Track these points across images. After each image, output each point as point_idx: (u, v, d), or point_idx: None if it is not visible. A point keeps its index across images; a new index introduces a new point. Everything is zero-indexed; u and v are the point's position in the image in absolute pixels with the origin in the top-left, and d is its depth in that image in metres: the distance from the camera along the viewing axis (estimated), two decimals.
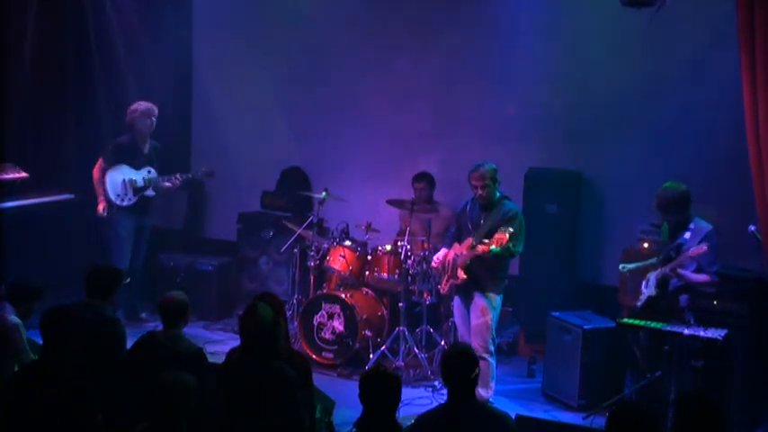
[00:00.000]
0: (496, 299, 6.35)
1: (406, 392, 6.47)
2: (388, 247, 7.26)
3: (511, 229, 6.01)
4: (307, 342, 7.29)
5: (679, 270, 5.80)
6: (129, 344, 5.20)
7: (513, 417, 4.63)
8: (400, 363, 6.99)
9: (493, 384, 6.41)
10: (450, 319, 6.95)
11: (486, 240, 6.08)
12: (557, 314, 6.79)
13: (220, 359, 4.91)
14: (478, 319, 6.33)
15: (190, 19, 9.08)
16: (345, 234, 7.58)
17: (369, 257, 7.33)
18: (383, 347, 7.12)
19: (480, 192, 6.27)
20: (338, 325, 7.21)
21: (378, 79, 8.43)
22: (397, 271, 7.11)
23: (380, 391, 4.07)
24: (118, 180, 7.68)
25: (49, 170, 8.07)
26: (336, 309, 7.23)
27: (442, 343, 7.04)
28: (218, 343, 7.39)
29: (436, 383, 6.79)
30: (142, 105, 7.82)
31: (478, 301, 6.34)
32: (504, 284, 6.42)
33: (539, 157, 7.75)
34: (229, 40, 8.94)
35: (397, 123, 8.35)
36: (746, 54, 5.43)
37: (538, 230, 6.90)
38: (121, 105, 8.23)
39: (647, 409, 3.91)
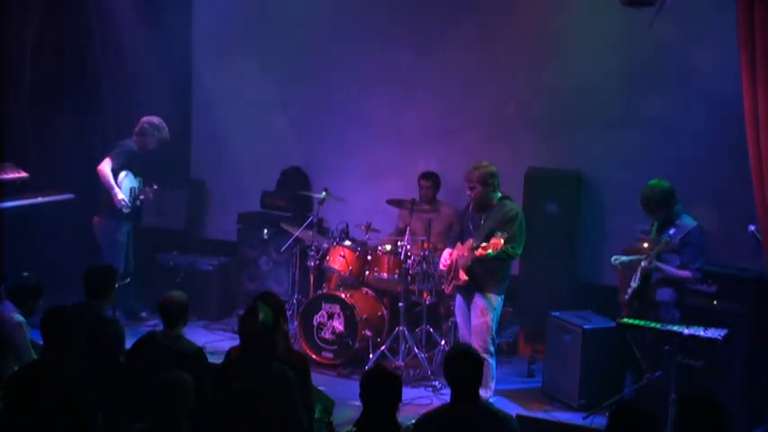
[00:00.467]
0: (497, 299, 6.35)
1: (406, 392, 6.45)
2: (388, 247, 7.27)
3: (506, 234, 6.03)
4: (307, 342, 7.29)
5: (658, 263, 5.82)
6: (129, 344, 5.20)
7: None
8: (400, 363, 6.99)
9: (493, 384, 6.42)
10: (451, 319, 6.96)
11: (485, 244, 6.09)
12: (557, 314, 6.79)
13: (220, 359, 4.90)
14: (479, 320, 6.33)
15: (190, 19, 9.08)
16: (345, 234, 7.58)
17: (369, 257, 7.33)
18: (383, 347, 7.12)
19: (469, 193, 6.31)
20: (338, 325, 7.21)
21: (378, 79, 8.43)
22: (397, 271, 7.11)
23: (380, 391, 4.07)
24: (127, 187, 7.68)
25: (49, 170, 8.07)
26: (336, 309, 7.24)
27: (442, 343, 7.04)
28: (218, 343, 7.39)
29: (436, 383, 6.79)
30: (163, 129, 7.77)
31: (479, 301, 6.34)
32: (505, 285, 6.42)
33: (539, 157, 7.75)
34: (229, 40, 8.94)
35: (397, 123, 8.35)
36: (746, 52, 5.43)
37: (538, 230, 6.90)
38: (122, 105, 8.24)
39: (647, 409, 3.89)
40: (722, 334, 5.54)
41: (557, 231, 7.40)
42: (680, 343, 5.62)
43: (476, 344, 6.22)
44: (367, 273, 7.33)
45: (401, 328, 7.02)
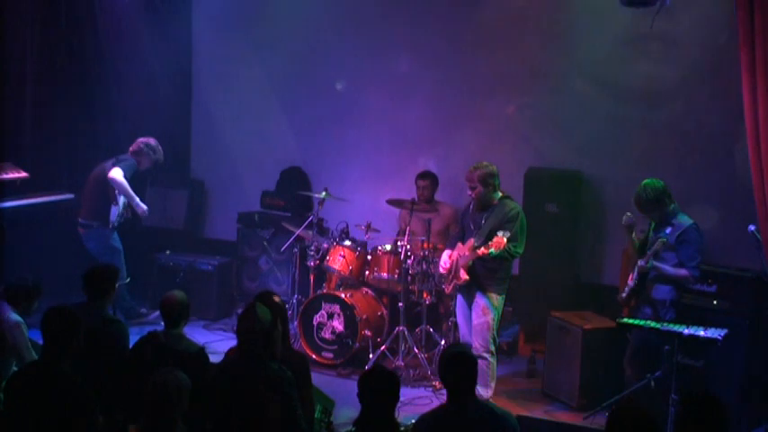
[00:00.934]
0: (498, 299, 6.35)
1: (406, 392, 6.51)
2: (388, 247, 7.27)
3: (508, 233, 6.03)
4: (306, 342, 7.29)
5: (655, 262, 5.83)
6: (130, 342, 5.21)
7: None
8: (400, 362, 6.99)
9: (493, 384, 6.41)
10: (451, 318, 6.96)
11: (489, 243, 6.09)
12: (557, 314, 6.79)
13: (220, 359, 4.91)
14: (479, 319, 6.33)
15: (190, 19, 9.08)
16: (345, 234, 7.58)
17: (369, 257, 7.34)
18: (383, 347, 7.12)
19: (471, 193, 6.31)
20: (338, 325, 7.21)
21: (378, 79, 8.43)
22: (397, 271, 7.11)
23: (378, 391, 4.07)
24: (122, 203, 7.67)
25: (49, 170, 8.07)
26: (336, 308, 7.24)
27: (442, 343, 7.04)
28: (218, 343, 7.40)
29: (436, 383, 6.79)
30: (159, 151, 7.76)
31: (480, 300, 6.34)
32: (506, 285, 6.41)
33: (539, 157, 7.76)
34: (229, 40, 8.94)
35: (397, 123, 8.35)
36: (746, 53, 5.43)
37: (538, 230, 6.89)
38: (122, 105, 8.23)
39: (647, 409, 3.89)
40: (722, 334, 5.54)
41: (557, 231, 7.40)
42: (680, 343, 5.62)
43: (477, 343, 6.22)
44: (367, 273, 7.33)
45: (401, 328, 7.03)
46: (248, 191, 8.78)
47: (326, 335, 7.26)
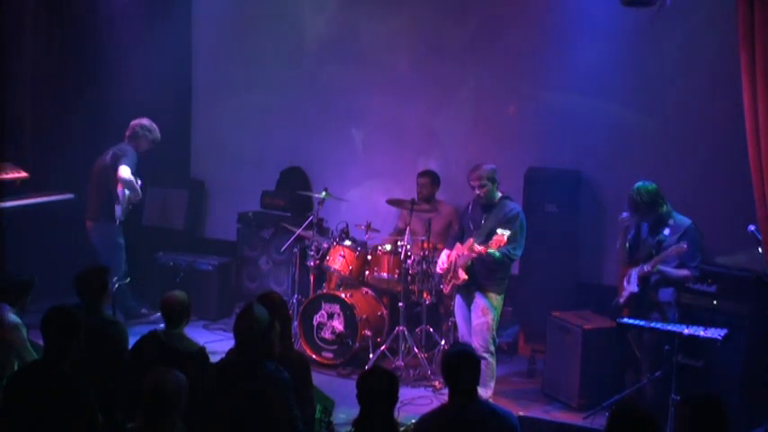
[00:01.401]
0: (497, 299, 6.36)
1: (407, 392, 6.51)
2: (388, 247, 7.27)
3: (509, 231, 6.03)
4: (306, 342, 7.29)
5: (660, 267, 5.82)
6: (131, 342, 5.21)
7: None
8: (400, 363, 6.99)
9: (493, 384, 6.42)
10: (451, 318, 6.96)
11: (488, 242, 6.09)
12: (557, 314, 6.79)
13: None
14: (479, 319, 6.34)
15: (190, 19, 9.08)
16: (345, 234, 7.58)
17: (369, 257, 7.34)
18: (383, 347, 7.12)
19: (478, 191, 6.31)
20: (338, 325, 7.21)
21: (378, 79, 8.43)
22: (397, 271, 7.11)
23: (377, 391, 4.07)
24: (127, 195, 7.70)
25: (49, 170, 8.07)
26: (336, 308, 7.24)
27: (442, 343, 7.04)
28: (218, 343, 7.39)
29: (436, 383, 6.79)
30: (154, 130, 7.76)
31: (479, 300, 6.35)
32: (505, 285, 6.42)
33: (539, 157, 7.76)
34: (229, 40, 8.94)
35: (398, 123, 8.35)
36: (746, 54, 5.43)
37: (538, 230, 6.90)
38: (122, 105, 8.23)
39: (647, 410, 3.89)
40: (722, 334, 5.54)
41: (557, 231, 7.40)
42: (680, 343, 5.62)
43: (476, 343, 6.23)
44: (367, 273, 7.33)
45: (401, 327, 7.02)
46: (248, 191, 8.77)
47: (326, 335, 7.26)
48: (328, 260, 7.45)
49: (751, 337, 6.08)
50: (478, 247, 6.13)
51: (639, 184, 5.93)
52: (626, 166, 7.42)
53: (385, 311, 7.41)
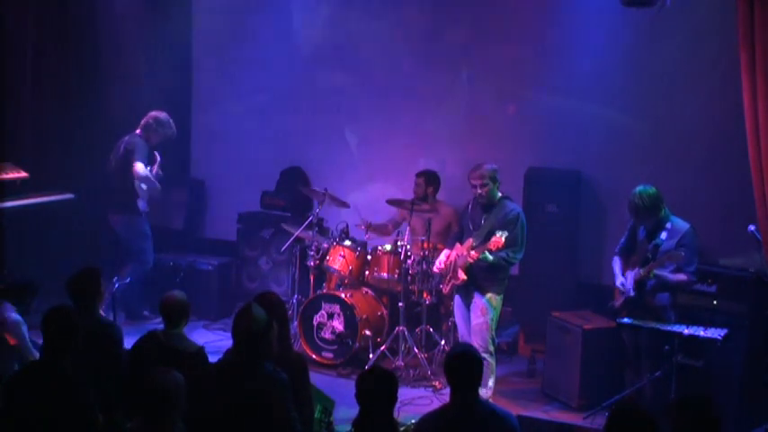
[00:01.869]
0: (497, 299, 6.36)
1: (407, 392, 6.51)
2: (388, 247, 7.27)
3: (506, 233, 6.03)
4: (306, 342, 7.29)
5: (656, 271, 5.80)
6: (130, 342, 5.20)
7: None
8: (400, 363, 6.99)
9: (492, 384, 6.42)
10: (451, 318, 6.96)
11: (487, 243, 6.09)
12: (557, 314, 6.79)
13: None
14: (478, 319, 6.34)
15: (190, 19, 9.07)
16: (345, 234, 7.58)
17: (369, 257, 7.34)
18: (383, 347, 7.12)
19: (479, 191, 6.30)
20: (338, 325, 7.21)
21: (378, 79, 8.43)
22: (397, 271, 7.11)
23: (376, 391, 4.06)
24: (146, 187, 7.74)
25: (49, 170, 8.07)
26: (336, 308, 7.24)
27: (442, 343, 7.05)
28: (218, 343, 7.39)
29: (436, 383, 6.79)
30: (169, 126, 7.80)
31: (478, 301, 6.35)
32: (504, 285, 6.42)
33: (539, 157, 7.75)
34: (229, 40, 8.92)
35: (398, 123, 8.35)
36: (746, 54, 5.43)
37: (538, 230, 6.91)
38: (122, 105, 8.23)
39: (647, 410, 3.89)
40: (722, 334, 5.54)
41: (557, 231, 7.41)
42: (680, 343, 5.62)
43: (476, 343, 6.22)
44: (367, 273, 7.33)
45: (401, 327, 7.03)
46: (248, 191, 8.77)
47: (326, 335, 7.26)
48: (328, 260, 7.45)
49: (751, 337, 6.07)
50: (473, 254, 6.14)
51: (640, 188, 5.89)
52: (626, 165, 7.42)
53: (385, 311, 7.41)
